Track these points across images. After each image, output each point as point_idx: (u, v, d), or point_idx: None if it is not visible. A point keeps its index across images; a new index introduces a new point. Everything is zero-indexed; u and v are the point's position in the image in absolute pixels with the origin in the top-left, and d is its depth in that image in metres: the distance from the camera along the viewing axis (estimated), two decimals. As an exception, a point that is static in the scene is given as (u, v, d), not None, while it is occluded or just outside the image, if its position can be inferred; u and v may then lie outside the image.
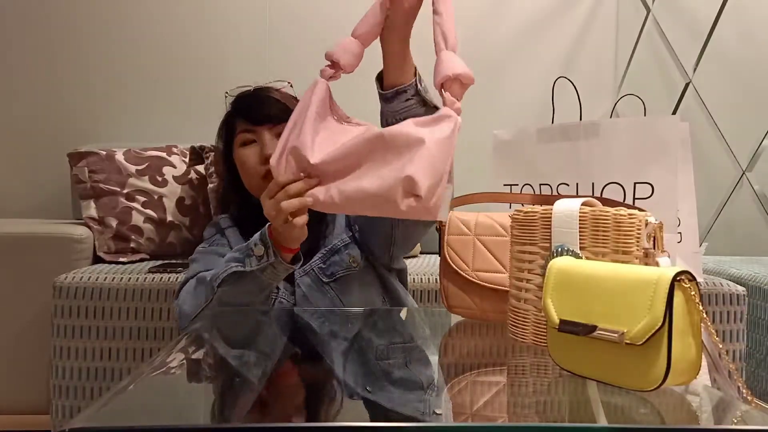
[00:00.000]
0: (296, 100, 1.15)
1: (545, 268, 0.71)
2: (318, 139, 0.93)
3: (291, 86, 1.28)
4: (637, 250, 0.70)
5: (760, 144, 2.17)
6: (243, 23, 2.30)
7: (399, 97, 1.04)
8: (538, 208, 0.79)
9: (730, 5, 2.00)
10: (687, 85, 2.14)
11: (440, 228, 0.98)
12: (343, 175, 0.89)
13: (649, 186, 1.05)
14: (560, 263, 0.70)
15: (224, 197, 1.31)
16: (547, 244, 0.76)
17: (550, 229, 0.76)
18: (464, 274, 0.94)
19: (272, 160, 0.95)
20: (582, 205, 0.75)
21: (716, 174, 2.19)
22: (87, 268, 1.58)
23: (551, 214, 0.76)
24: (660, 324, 0.58)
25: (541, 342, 0.77)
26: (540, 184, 1.18)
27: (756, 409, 0.60)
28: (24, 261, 1.60)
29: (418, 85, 1.04)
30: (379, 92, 1.06)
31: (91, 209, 1.73)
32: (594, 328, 0.62)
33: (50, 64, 2.25)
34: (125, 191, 1.76)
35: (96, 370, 1.46)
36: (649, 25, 2.31)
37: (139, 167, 1.80)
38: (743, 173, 2.18)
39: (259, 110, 1.20)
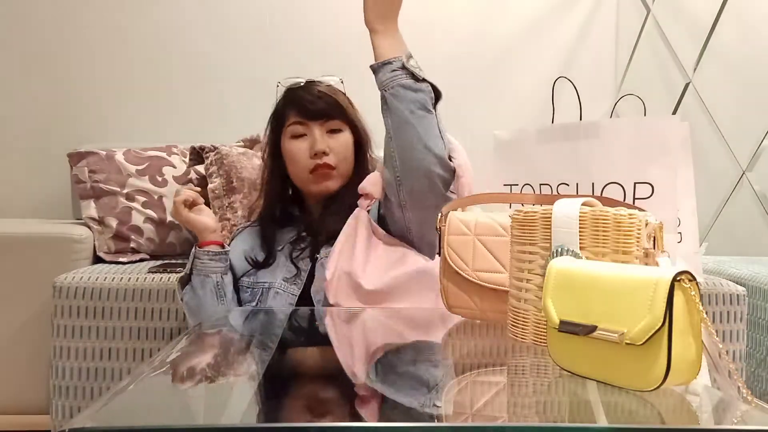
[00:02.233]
0: (345, 95, 1.33)
1: (545, 268, 0.71)
2: (369, 268, 1.13)
3: (342, 82, 1.33)
4: (637, 250, 0.70)
5: (760, 144, 2.16)
6: (243, 23, 2.30)
7: (385, 68, 1.15)
8: (538, 208, 0.78)
9: (730, 5, 1.99)
10: (687, 85, 2.14)
11: (440, 228, 0.98)
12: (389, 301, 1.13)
13: (649, 186, 1.05)
14: (560, 263, 0.70)
15: (268, 185, 1.35)
16: (547, 244, 0.76)
17: (550, 229, 0.76)
18: (464, 274, 0.94)
19: (328, 276, 1.13)
20: (582, 205, 0.75)
21: (716, 174, 2.19)
22: (87, 268, 1.58)
23: (551, 214, 0.76)
24: (660, 324, 0.58)
25: (541, 342, 0.77)
26: (540, 184, 1.18)
27: (756, 409, 0.60)
28: (24, 261, 1.59)
29: (405, 62, 1.15)
30: (370, 66, 1.17)
31: (91, 209, 1.73)
32: (594, 328, 0.62)
33: (50, 64, 2.25)
34: (125, 191, 1.76)
35: (96, 370, 1.46)
36: (649, 25, 2.30)
37: (139, 167, 1.80)
38: (743, 173, 2.17)
39: (312, 104, 1.26)
